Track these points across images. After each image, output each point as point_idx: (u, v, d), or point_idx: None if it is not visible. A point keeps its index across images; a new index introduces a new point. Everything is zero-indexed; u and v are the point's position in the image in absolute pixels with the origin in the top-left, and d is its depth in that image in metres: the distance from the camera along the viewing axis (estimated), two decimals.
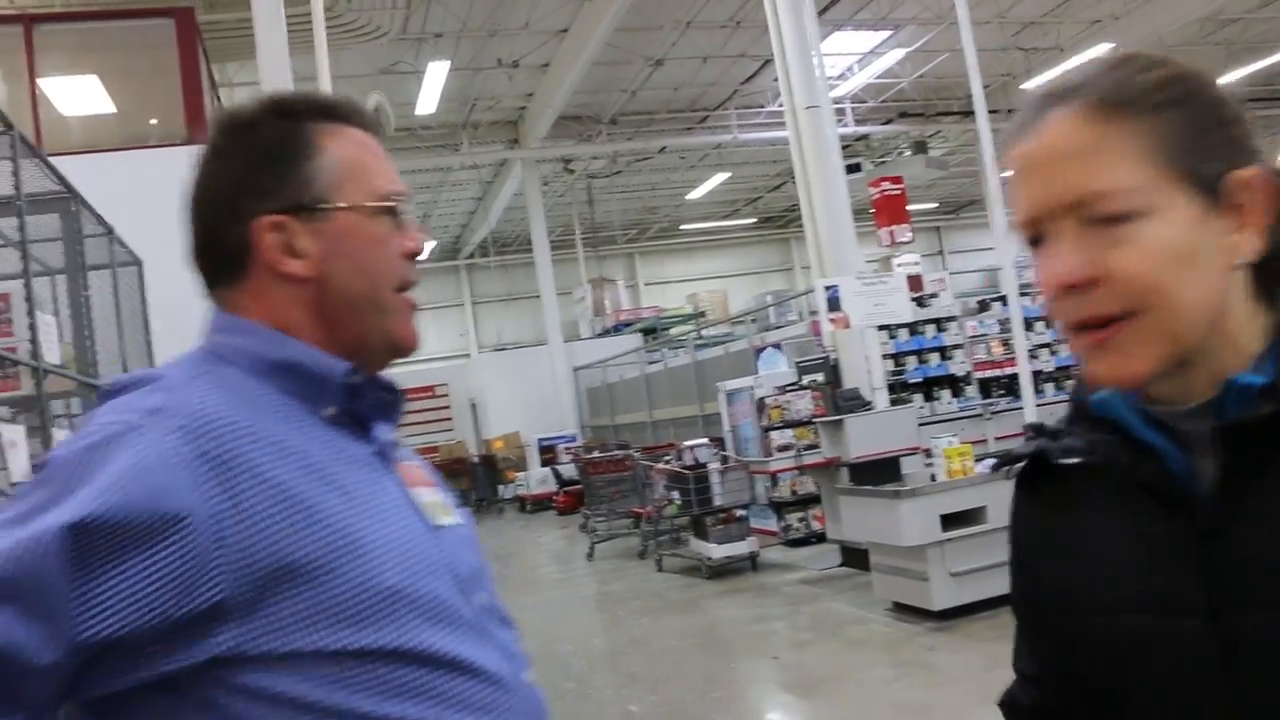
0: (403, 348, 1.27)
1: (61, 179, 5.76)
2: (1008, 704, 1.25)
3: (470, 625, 1.18)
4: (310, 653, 1.05)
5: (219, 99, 12.27)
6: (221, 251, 1.24)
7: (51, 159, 6.05)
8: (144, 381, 1.13)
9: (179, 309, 8.20)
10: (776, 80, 10.11)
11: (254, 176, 1.23)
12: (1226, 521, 0.95)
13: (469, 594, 1.21)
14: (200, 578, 1.02)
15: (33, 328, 4.52)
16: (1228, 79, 17.46)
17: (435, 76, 16.42)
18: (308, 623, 1.05)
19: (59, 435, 4.84)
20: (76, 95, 10.30)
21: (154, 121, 11.05)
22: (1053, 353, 11.75)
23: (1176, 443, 1.00)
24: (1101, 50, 17.23)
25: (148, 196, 8.62)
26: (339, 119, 1.28)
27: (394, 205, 1.26)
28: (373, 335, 1.25)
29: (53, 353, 4.85)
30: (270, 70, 3.53)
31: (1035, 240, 1.00)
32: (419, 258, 1.29)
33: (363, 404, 1.23)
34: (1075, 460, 1.07)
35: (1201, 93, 0.98)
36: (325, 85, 5.12)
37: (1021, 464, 1.16)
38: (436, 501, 1.29)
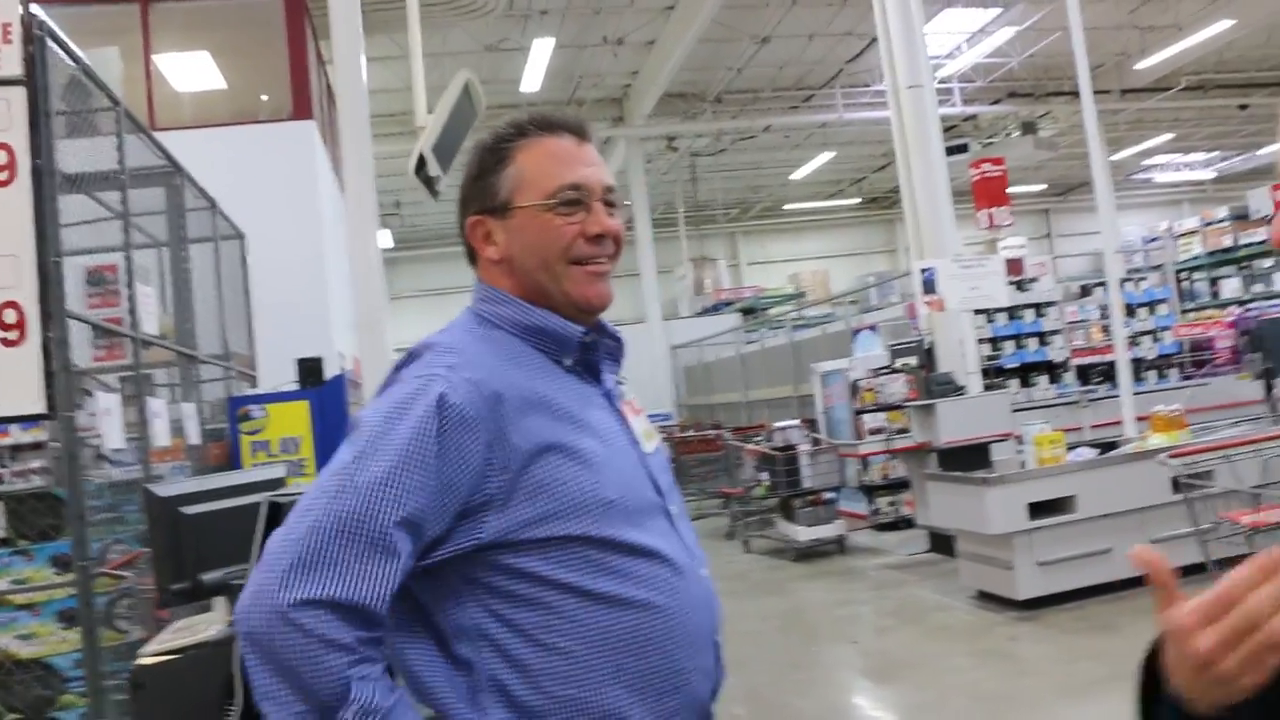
0: (584, 306, 1.64)
1: (165, 153, 5.94)
2: None
3: (663, 526, 1.61)
4: (544, 539, 1.46)
5: (326, 75, 12.55)
6: (464, 240, 1.71)
7: (161, 134, 6.25)
8: (435, 347, 1.55)
9: (280, 280, 8.42)
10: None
11: (469, 189, 1.70)
12: None
13: (668, 502, 1.65)
14: (482, 477, 1.44)
15: (132, 298, 4.70)
16: None
17: (540, 53, 16.51)
18: (545, 519, 1.46)
19: (155, 405, 5.03)
20: (189, 71, 10.62)
21: (264, 98, 11.34)
22: (1155, 339, 11.40)
23: None
24: (1222, 28, 16.67)
25: (253, 171, 8.95)
26: (540, 132, 1.67)
27: (563, 200, 1.62)
28: (554, 295, 1.63)
29: (151, 323, 5.03)
30: (343, 48, 3.59)
31: None
32: (599, 235, 1.64)
33: (595, 356, 1.68)
34: None
35: None
36: (417, 65, 5.19)
37: None
38: (647, 430, 1.75)
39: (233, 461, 6.83)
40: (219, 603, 2.76)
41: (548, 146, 1.66)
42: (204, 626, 2.89)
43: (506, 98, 17.65)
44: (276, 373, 8.15)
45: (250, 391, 7.76)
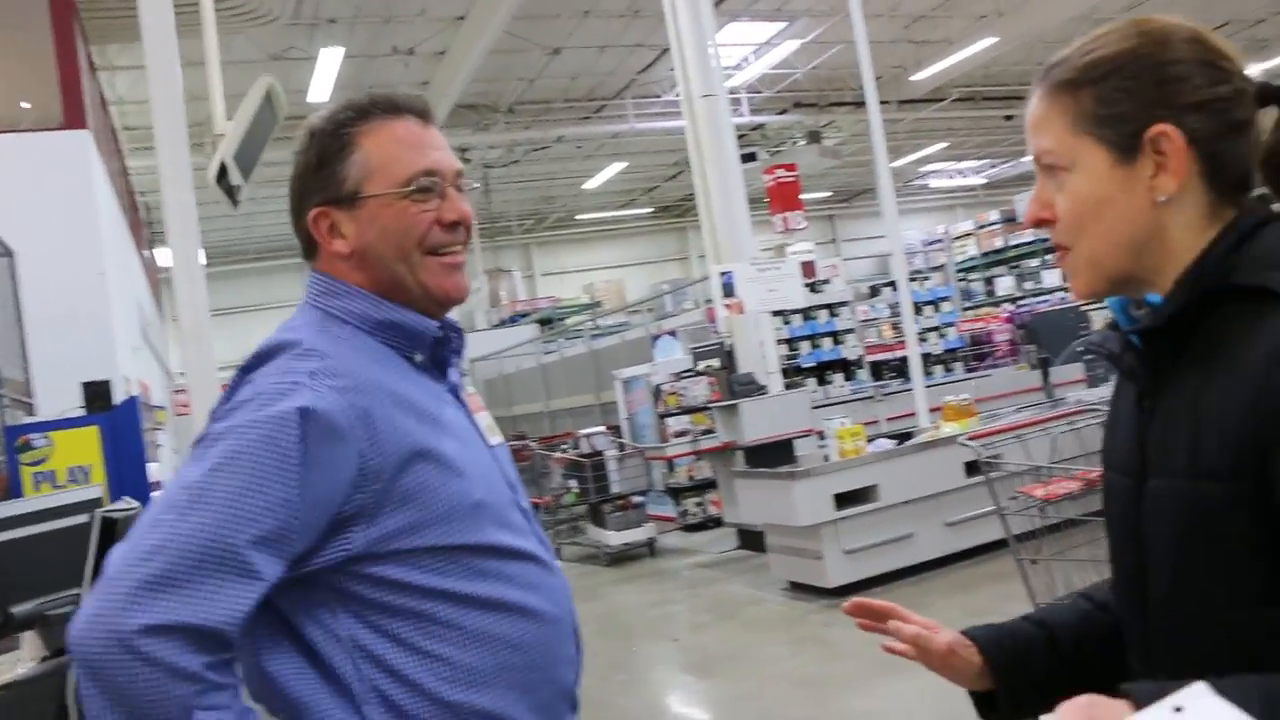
0: (442, 299, 1.59)
1: None
2: None
3: (520, 523, 1.57)
4: (416, 549, 1.42)
5: (99, 83, 11.90)
6: (301, 234, 1.61)
7: None
8: (289, 346, 1.45)
9: (58, 301, 7.89)
10: (673, 70, 10.13)
11: (308, 179, 1.59)
12: (1154, 405, 1.20)
13: (518, 497, 1.62)
14: (353, 487, 1.38)
15: None
16: None
17: (329, 63, 16.09)
18: (417, 527, 1.42)
19: None
20: None
21: (26, 105, 10.65)
22: (941, 335, 12.00)
23: None
24: (987, 44, 17.72)
25: (21, 184, 8.38)
26: (384, 115, 1.58)
27: (418, 187, 1.54)
28: (412, 289, 1.55)
29: None
30: (156, 55, 3.42)
31: None
32: (454, 223, 1.58)
33: (444, 351, 1.61)
34: (1097, 348, 1.32)
35: (1128, 66, 1.18)
36: (214, 71, 5.01)
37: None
38: (490, 424, 1.69)
39: (12, 494, 6.35)
40: (27, 638, 2.57)
41: (394, 130, 1.57)
42: (9, 666, 2.69)
43: (294, 108, 16.85)
44: (58, 398, 7.65)
45: (29, 420, 7.27)
